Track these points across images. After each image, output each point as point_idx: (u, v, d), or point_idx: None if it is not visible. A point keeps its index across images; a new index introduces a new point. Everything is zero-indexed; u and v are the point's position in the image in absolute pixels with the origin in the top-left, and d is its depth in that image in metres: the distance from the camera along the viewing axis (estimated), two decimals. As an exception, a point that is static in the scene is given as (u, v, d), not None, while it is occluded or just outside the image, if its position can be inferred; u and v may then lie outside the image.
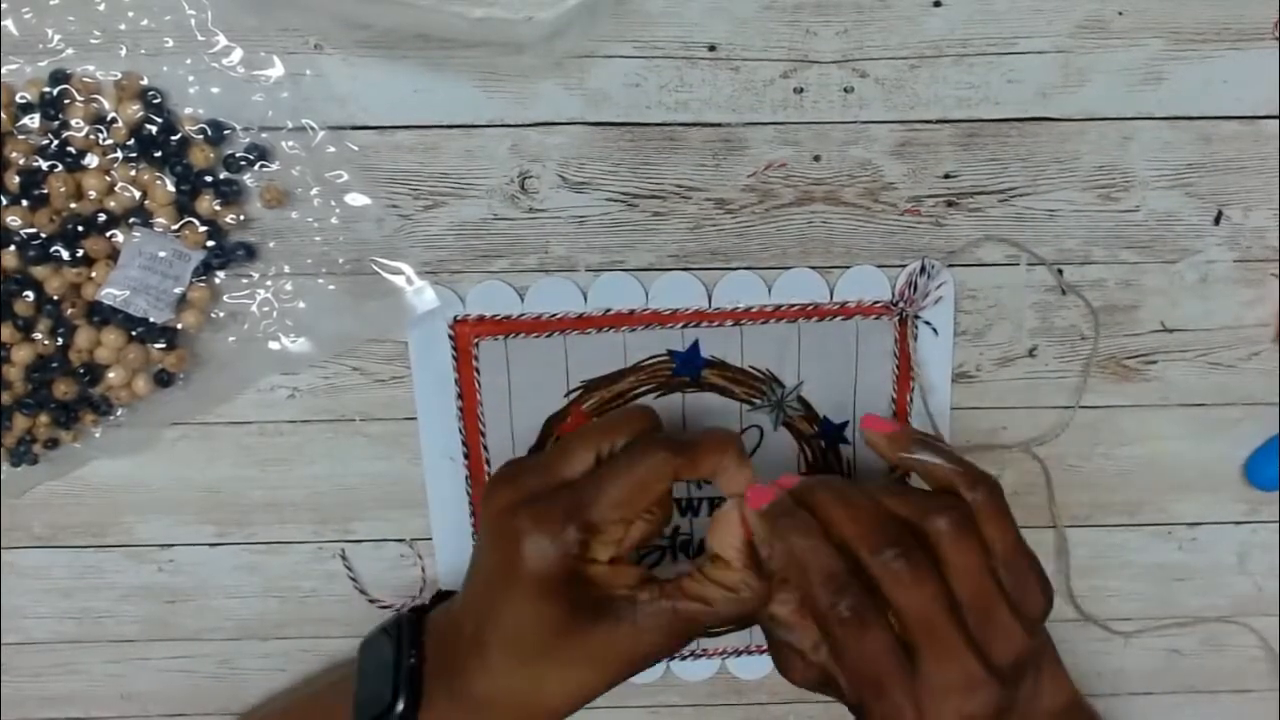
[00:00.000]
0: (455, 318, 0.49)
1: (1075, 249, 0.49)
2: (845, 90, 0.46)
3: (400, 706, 0.44)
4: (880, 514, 0.40)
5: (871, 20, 0.45)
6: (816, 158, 0.47)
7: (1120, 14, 0.46)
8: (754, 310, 0.49)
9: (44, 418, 0.48)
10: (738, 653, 0.55)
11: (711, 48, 0.46)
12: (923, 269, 0.49)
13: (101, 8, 0.44)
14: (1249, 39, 0.46)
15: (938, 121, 0.47)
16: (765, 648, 0.54)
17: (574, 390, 0.51)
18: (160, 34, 0.45)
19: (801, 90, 0.46)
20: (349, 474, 0.51)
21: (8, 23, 0.45)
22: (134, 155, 0.46)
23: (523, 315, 0.49)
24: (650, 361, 0.50)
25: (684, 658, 0.55)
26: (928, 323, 0.50)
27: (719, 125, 0.47)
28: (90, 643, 0.54)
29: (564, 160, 0.47)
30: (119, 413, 0.49)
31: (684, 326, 0.50)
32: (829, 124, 0.47)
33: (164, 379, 0.48)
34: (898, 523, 0.40)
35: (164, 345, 0.47)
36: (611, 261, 0.48)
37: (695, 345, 0.50)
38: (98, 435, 0.49)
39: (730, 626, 0.46)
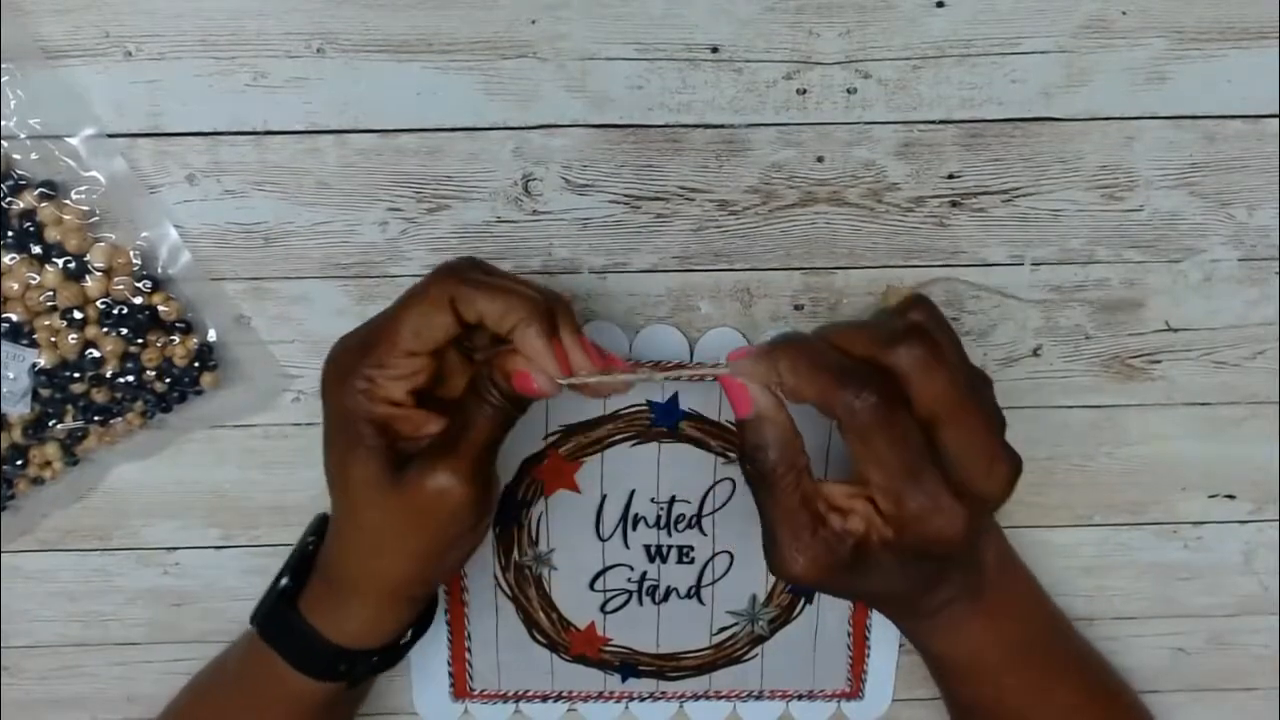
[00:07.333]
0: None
1: (1079, 249, 0.49)
2: (848, 91, 0.46)
3: (283, 582, 0.46)
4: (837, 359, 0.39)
5: (874, 21, 0.45)
6: (820, 159, 0.47)
7: (1123, 13, 0.45)
8: None
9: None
10: (695, 697, 0.56)
11: (714, 49, 0.45)
12: None
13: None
14: (1252, 38, 0.46)
15: (941, 122, 0.47)
16: (722, 693, 0.55)
17: (553, 434, 0.51)
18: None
19: (804, 91, 0.46)
20: (354, 476, 0.51)
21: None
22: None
23: None
24: (629, 411, 0.50)
25: (643, 700, 0.56)
26: None
27: (722, 127, 0.47)
28: (96, 645, 0.54)
29: (567, 162, 0.47)
30: (155, 418, 0.49)
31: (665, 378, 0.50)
32: (832, 125, 0.47)
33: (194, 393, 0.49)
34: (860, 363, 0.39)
35: (199, 365, 0.48)
36: (615, 263, 0.48)
37: (675, 398, 0.50)
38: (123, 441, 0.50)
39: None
